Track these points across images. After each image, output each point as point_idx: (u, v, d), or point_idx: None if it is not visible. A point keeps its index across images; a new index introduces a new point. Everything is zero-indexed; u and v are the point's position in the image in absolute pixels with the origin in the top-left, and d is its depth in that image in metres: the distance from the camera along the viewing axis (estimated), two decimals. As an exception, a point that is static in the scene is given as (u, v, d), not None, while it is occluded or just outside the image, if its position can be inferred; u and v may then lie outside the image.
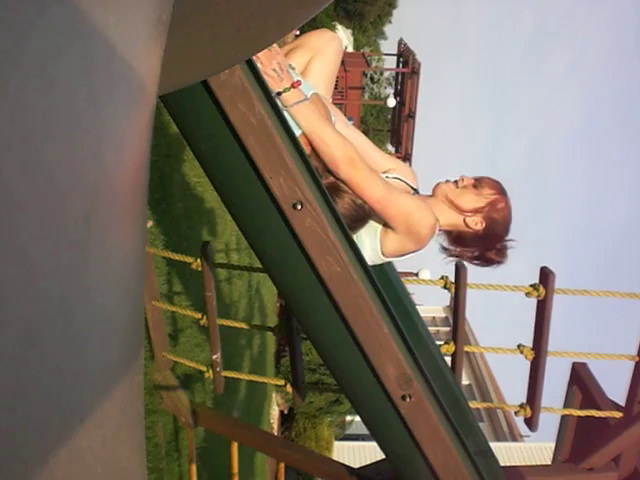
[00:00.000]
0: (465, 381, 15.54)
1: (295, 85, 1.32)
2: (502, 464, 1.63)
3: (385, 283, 1.62)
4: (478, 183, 1.57)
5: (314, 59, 1.60)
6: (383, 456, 1.44)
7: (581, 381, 1.90)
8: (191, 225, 4.49)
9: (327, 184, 1.34)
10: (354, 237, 1.50)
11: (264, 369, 8.09)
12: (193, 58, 0.69)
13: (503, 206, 1.56)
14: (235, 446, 2.20)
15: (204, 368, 2.13)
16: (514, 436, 13.93)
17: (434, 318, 21.56)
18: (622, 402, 1.78)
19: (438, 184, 1.60)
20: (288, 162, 0.96)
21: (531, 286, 1.66)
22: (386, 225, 1.46)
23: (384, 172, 1.70)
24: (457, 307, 1.75)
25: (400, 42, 13.22)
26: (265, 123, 0.93)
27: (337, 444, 12.10)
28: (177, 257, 2.13)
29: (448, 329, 16.86)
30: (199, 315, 2.05)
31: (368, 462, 1.82)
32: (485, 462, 1.46)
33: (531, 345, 1.73)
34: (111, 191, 0.43)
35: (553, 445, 2.06)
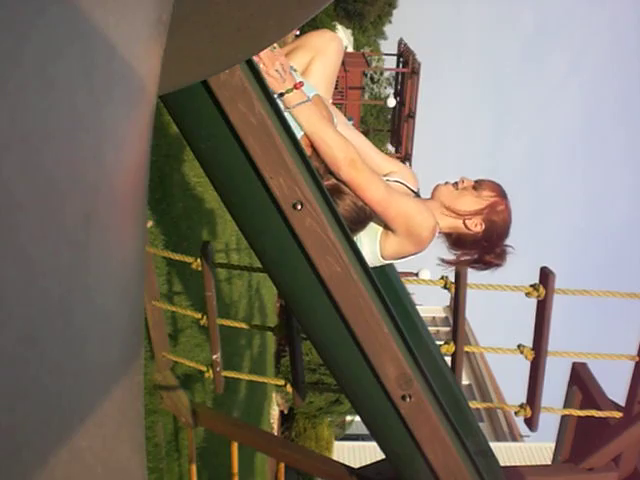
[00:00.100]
0: (465, 381, 15.54)
1: (297, 86, 1.32)
2: (502, 464, 1.63)
3: (385, 283, 1.62)
4: (478, 185, 1.56)
5: (315, 60, 1.60)
6: (383, 456, 1.44)
7: (581, 381, 1.90)
8: (191, 225, 4.49)
9: (328, 185, 1.34)
10: (355, 239, 1.50)
11: (264, 369, 8.09)
12: (193, 58, 0.69)
13: (503, 209, 1.55)
14: (235, 446, 2.20)
15: (204, 368, 2.13)
16: (514, 436, 13.93)
17: (434, 318, 21.56)
18: (622, 402, 1.78)
19: (437, 186, 1.60)
20: (288, 162, 0.96)
21: (531, 286, 1.66)
22: (386, 227, 1.46)
23: (385, 175, 1.70)
24: (457, 307, 1.75)
25: (400, 42, 13.22)
26: (265, 123, 0.93)
27: (337, 444, 12.10)
28: (177, 257, 2.13)
29: (448, 329, 16.86)
30: (199, 315, 2.05)
31: (368, 462, 1.82)
32: (485, 462, 1.46)
33: (531, 345, 1.73)
34: (111, 191, 0.43)
35: (553, 445, 2.06)
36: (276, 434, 9.36)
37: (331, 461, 2.06)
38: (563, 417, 1.98)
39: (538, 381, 1.73)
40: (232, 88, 0.90)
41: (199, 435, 3.89)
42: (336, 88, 11.62)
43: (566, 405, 1.95)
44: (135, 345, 0.52)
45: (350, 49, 24.60)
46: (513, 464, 1.92)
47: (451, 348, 1.76)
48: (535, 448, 12.86)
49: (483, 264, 1.60)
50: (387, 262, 1.54)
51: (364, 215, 1.42)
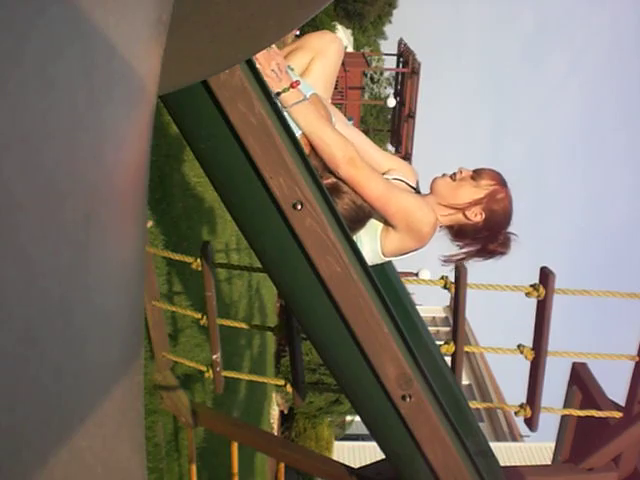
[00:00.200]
0: (465, 381, 15.54)
1: (294, 85, 1.32)
2: (502, 464, 1.63)
3: (385, 283, 1.62)
4: (476, 175, 1.55)
5: (315, 60, 1.60)
6: (383, 456, 1.44)
7: (581, 381, 1.90)
8: (191, 225, 4.49)
9: (327, 184, 1.34)
10: (354, 238, 1.50)
11: (264, 369, 8.09)
12: (193, 58, 0.69)
13: (503, 197, 1.54)
14: (235, 446, 2.20)
15: (204, 368, 2.13)
16: (514, 436, 13.93)
17: (434, 318, 21.56)
18: (622, 402, 1.78)
19: (435, 180, 1.59)
20: (288, 162, 0.96)
21: (531, 286, 1.66)
22: (387, 224, 1.46)
23: (384, 173, 1.70)
24: (457, 307, 1.75)
25: (400, 42, 13.22)
26: (265, 123, 0.93)
27: (337, 444, 12.10)
28: (177, 257, 2.13)
29: (448, 329, 16.86)
30: (199, 315, 2.05)
31: (368, 462, 1.82)
32: (485, 462, 1.46)
33: (531, 345, 1.73)
34: (111, 191, 0.43)
35: (553, 445, 2.06)
36: (276, 434, 9.36)
37: (331, 461, 2.06)
38: (563, 417, 1.98)
39: (538, 381, 1.73)
40: (232, 88, 0.90)
41: (199, 435, 3.89)
42: (336, 88, 11.61)
43: (566, 405, 1.95)
44: (135, 345, 0.52)
45: (350, 49, 24.60)
46: (513, 464, 1.92)
47: (451, 348, 1.76)
48: (535, 448, 12.86)
49: (487, 253, 1.59)
50: (389, 259, 1.54)
51: (363, 214, 1.42)
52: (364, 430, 1.54)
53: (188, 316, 3.22)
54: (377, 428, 1.31)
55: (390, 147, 14.98)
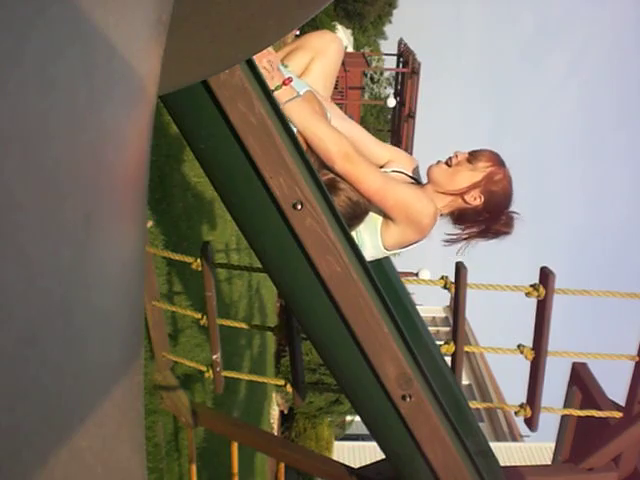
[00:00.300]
0: (465, 381, 15.54)
1: (286, 82, 1.32)
2: (502, 464, 1.63)
3: (385, 283, 1.62)
4: (473, 157, 1.53)
5: (315, 60, 1.60)
6: (383, 456, 1.44)
7: (581, 381, 1.90)
8: (191, 225, 4.49)
9: (324, 181, 1.34)
10: (353, 234, 1.49)
11: (264, 369, 8.09)
12: (193, 58, 0.69)
13: (501, 177, 1.52)
14: (235, 446, 2.20)
15: (204, 368, 2.13)
16: (514, 436, 13.94)
17: (434, 318, 21.56)
18: (622, 402, 1.78)
19: (430, 168, 1.57)
20: (288, 162, 0.96)
21: (531, 286, 1.66)
22: (386, 217, 1.46)
23: (383, 165, 1.70)
24: (457, 307, 1.75)
25: (400, 42, 13.22)
26: (265, 123, 0.93)
27: (337, 444, 12.10)
28: (177, 257, 2.13)
29: (448, 329, 16.86)
30: (199, 315, 2.05)
31: (368, 462, 1.82)
32: (485, 462, 1.46)
33: (531, 345, 1.73)
34: (111, 191, 0.43)
35: (553, 445, 2.06)
36: (276, 434, 9.36)
37: (331, 461, 2.06)
38: (563, 417, 1.98)
39: (538, 381, 1.73)
40: (232, 88, 0.90)
41: (199, 435, 3.89)
42: (336, 88, 11.61)
43: (566, 405, 1.95)
44: (135, 345, 0.52)
45: (350, 49, 24.60)
46: (513, 464, 1.92)
47: (451, 348, 1.76)
48: (535, 448, 12.86)
49: (491, 234, 1.58)
50: (391, 252, 1.53)
51: (360, 210, 1.42)
52: (364, 430, 1.54)
53: (188, 316, 3.22)
54: (377, 428, 1.31)
55: (390, 147, 14.95)
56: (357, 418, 8.24)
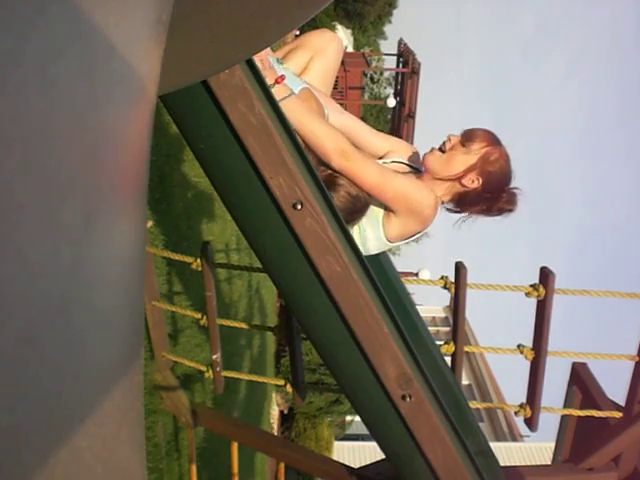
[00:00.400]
0: (465, 381, 15.54)
1: (279, 81, 1.31)
2: (502, 464, 1.63)
3: (385, 283, 1.62)
4: (466, 139, 1.51)
5: (314, 59, 1.60)
6: (383, 456, 1.44)
7: (581, 381, 1.90)
8: (191, 225, 4.49)
9: (321, 177, 1.34)
10: (356, 228, 1.49)
11: (264, 369, 8.08)
12: (193, 58, 0.69)
13: (497, 156, 1.50)
14: (235, 446, 2.20)
15: (204, 368, 2.13)
16: (514, 436, 13.93)
17: (434, 318, 21.56)
18: (622, 402, 1.78)
19: (425, 157, 1.56)
20: (288, 162, 0.96)
21: (531, 286, 1.66)
22: (387, 210, 1.46)
23: (382, 156, 1.69)
24: (457, 307, 1.75)
25: (400, 42, 13.22)
26: (265, 123, 0.93)
27: (337, 444, 12.10)
28: (177, 257, 2.13)
29: (448, 329, 16.86)
30: (199, 315, 2.05)
31: (368, 462, 1.82)
32: (485, 462, 1.46)
33: (531, 345, 1.73)
34: (111, 191, 0.43)
35: (553, 445, 2.06)
36: (276, 434, 9.36)
37: (331, 461, 2.06)
38: (563, 417, 1.98)
39: (538, 381, 1.73)
40: (232, 88, 0.90)
41: (199, 435, 3.89)
42: (336, 88, 11.61)
43: (566, 405, 1.95)
44: (135, 345, 0.52)
45: (350, 49, 24.60)
46: (513, 464, 1.92)
47: (451, 348, 1.76)
48: (535, 448, 12.86)
49: (495, 212, 1.57)
50: (395, 244, 1.53)
51: (360, 204, 1.42)
52: (364, 430, 1.54)
53: (188, 316, 3.22)
54: (377, 428, 1.31)
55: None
56: (357, 418, 8.24)
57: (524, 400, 1.80)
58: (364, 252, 1.53)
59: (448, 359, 1.80)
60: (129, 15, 0.42)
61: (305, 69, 1.60)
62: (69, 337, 0.35)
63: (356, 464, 1.98)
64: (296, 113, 1.31)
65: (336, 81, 1.86)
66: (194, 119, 0.97)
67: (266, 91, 0.94)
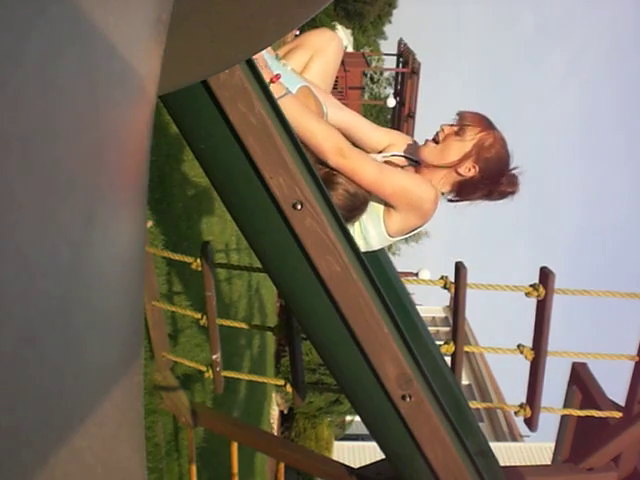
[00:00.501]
0: (465, 381, 15.54)
1: (274, 80, 1.31)
2: (502, 464, 1.63)
3: (385, 283, 1.62)
4: (460, 128, 1.50)
5: (314, 58, 1.60)
6: (383, 456, 1.44)
7: (581, 381, 1.90)
8: (191, 225, 4.49)
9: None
10: (357, 224, 1.50)
11: (264, 369, 8.08)
12: (193, 58, 0.69)
13: (492, 142, 1.49)
14: (235, 446, 2.20)
15: (204, 368, 2.13)
16: (514, 436, 13.93)
17: (434, 318, 21.56)
18: (622, 402, 1.78)
19: (420, 151, 1.56)
20: (288, 162, 0.96)
21: (531, 286, 1.66)
22: (387, 205, 1.46)
23: (382, 151, 1.69)
24: (457, 307, 1.75)
25: (400, 42, 13.22)
26: (265, 123, 0.93)
27: (337, 444, 12.10)
28: (177, 257, 2.13)
29: (448, 329, 16.86)
30: (199, 315, 2.05)
31: (368, 462, 1.82)
32: (485, 462, 1.46)
33: (531, 345, 1.73)
34: (111, 191, 0.43)
35: (553, 445, 2.06)
36: (276, 434, 9.36)
37: (331, 461, 2.06)
38: (563, 417, 1.98)
39: (538, 381, 1.73)
40: (232, 88, 0.90)
41: (199, 435, 3.89)
42: (336, 88, 11.61)
43: (566, 405, 1.95)
44: (135, 345, 0.52)
45: (350, 49, 24.60)
46: (513, 464, 1.92)
47: (451, 348, 1.76)
48: (535, 448, 12.86)
49: (497, 195, 1.56)
50: (396, 239, 1.53)
51: (359, 201, 1.42)
52: (364, 430, 1.54)
53: (188, 316, 3.22)
54: (377, 428, 1.31)
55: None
56: (357, 418, 8.24)
57: (524, 400, 1.80)
58: (367, 248, 1.53)
59: (448, 359, 1.80)
60: (129, 15, 0.42)
61: (305, 68, 1.60)
62: (69, 337, 0.35)
63: (356, 464, 1.98)
64: (292, 112, 1.31)
65: (336, 81, 1.86)
66: (194, 119, 0.97)
67: (266, 91, 0.94)
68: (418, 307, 1.96)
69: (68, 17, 0.32)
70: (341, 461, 1.98)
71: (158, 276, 3.29)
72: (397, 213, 1.45)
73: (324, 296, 1.07)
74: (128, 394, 0.49)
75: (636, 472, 1.77)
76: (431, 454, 1.23)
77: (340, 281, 1.04)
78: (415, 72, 11.80)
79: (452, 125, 1.52)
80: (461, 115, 1.52)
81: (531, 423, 1.79)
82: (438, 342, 1.79)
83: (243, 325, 2.23)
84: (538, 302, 1.67)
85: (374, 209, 1.48)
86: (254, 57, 1.31)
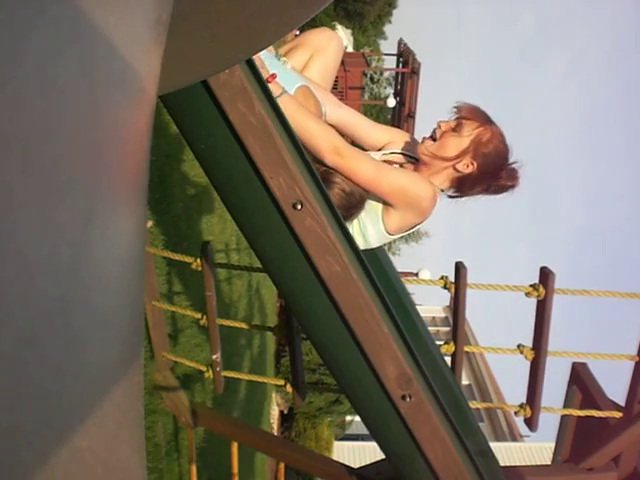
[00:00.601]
0: (465, 381, 15.54)
1: (270, 80, 1.31)
2: (502, 464, 1.63)
3: (385, 283, 1.61)
4: (457, 124, 1.49)
5: (314, 57, 1.60)
6: (383, 456, 1.44)
7: (581, 381, 1.90)
8: (191, 225, 4.49)
9: None
10: (356, 222, 1.50)
11: (264, 369, 8.08)
12: (193, 58, 0.69)
13: (490, 137, 1.48)
14: (235, 446, 2.20)
15: (204, 368, 2.13)
16: (514, 436, 13.93)
17: (434, 318, 21.57)
18: (622, 402, 1.78)
19: (417, 148, 1.56)
20: (288, 162, 0.96)
21: (531, 286, 1.66)
22: (386, 204, 1.46)
23: (382, 148, 1.69)
24: (457, 307, 1.75)
25: (400, 42, 13.22)
26: (265, 123, 0.93)
27: (337, 444, 12.10)
28: (177, 257, 2.13)
29: (448, 329, 16.86)
30: (199, 315, 2.05)
31: (368, 462, 1.82)
32: (485, 462, 1.46)
33: (531, 345, 1.73)
34: (111, 191, 0.43)
35: (553, 445, 2.06)
36: (276, 434, 9.36)
37: (331, 461, 2.06)
38: (563, 417, 1.98)
39: (538, 381, 1.73)
40: (232, 88, 0.90)
41: (199, 435, 3.89)
42: (336, 88, 11.60)
43: (566, 405, 1.95)
44: (135, 345, 0.52)
45: (350, 49, 24.59)
46: (513, 464, 1.92)
47: (451, 348, 1.76)
48: (535, 448, 12.86)
49: (497, 189, 1.55)
50: (395, 237, 1.54)
51: (355, 199, 1.42)
52: (364, 430, 1.54)
53: (188, 316, 3.22)
54: (377, 428, 1.31)
55: (390, 147, 14.95)
56: (357, 418, 8.24)
57: (524, 400, 1.80)
58: (365, 246, 1.53)
59: (448, 359, 1.80)
60: (129, 15, 0.42)
61: (305, 67, 1.60)
62: (69, 337, 0.35)
63: (356, 464, 1.98)
64: (289, 111, 1.31)
65: (336, 81, 1.87)
66: (194, 119, 0.97)
67: (266, 91, 0.94)
68: (418, 307, 1.96)
69: (68, 17, 0.32)
70: (341, 461, 1.98)
71: (158, 276, 3.29)
72: (395, 211, 1.45)
73: (324, 296, 1.07)
74: (128, 394, 0.49)
75: (636, 472, 1.77)
76: (431, 454, 1.23)
77: (340, 281, 1.04)
78: (415, 72, 11.80)
79: (449, 121, 1.52)
80: (459, 108, 1.51)
81: (531, 423, 1.79)
82: (438, 342, 1.79)
83: (243, 325, 2.23)
84: (538, 302, 1.67)
85: (373, 207, 1.48)
86: (254, 58, 1.31)
